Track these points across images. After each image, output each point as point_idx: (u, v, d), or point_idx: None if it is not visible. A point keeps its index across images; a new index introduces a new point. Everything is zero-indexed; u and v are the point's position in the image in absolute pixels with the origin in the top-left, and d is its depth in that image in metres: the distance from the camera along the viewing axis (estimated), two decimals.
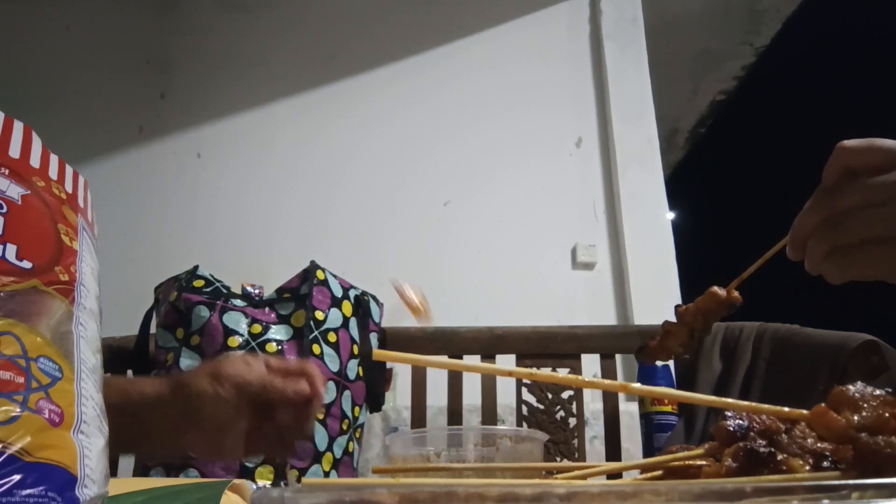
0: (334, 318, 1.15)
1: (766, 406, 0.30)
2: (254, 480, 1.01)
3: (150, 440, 0.65)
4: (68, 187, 0.38)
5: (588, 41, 2.52)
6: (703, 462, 0.28)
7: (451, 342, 1.17)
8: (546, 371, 1.07)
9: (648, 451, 0.94)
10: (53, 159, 0.38)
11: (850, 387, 0.28)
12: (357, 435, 1.17)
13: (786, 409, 0.30)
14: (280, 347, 1.09)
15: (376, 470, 0.43)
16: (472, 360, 1.14)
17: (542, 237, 2.26)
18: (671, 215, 2.49)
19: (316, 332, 1.13)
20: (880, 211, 0.47)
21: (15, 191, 0.34)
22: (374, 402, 1.21)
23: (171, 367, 1.08)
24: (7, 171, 0.34)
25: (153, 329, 1.14)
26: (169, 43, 2.55)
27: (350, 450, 1.14)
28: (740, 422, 0.28)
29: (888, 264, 0.47)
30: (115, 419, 0.65)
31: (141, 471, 1.06)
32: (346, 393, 1.13)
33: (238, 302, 1.11)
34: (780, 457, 0.26)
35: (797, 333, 0.99)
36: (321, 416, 1.09)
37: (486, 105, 2.42)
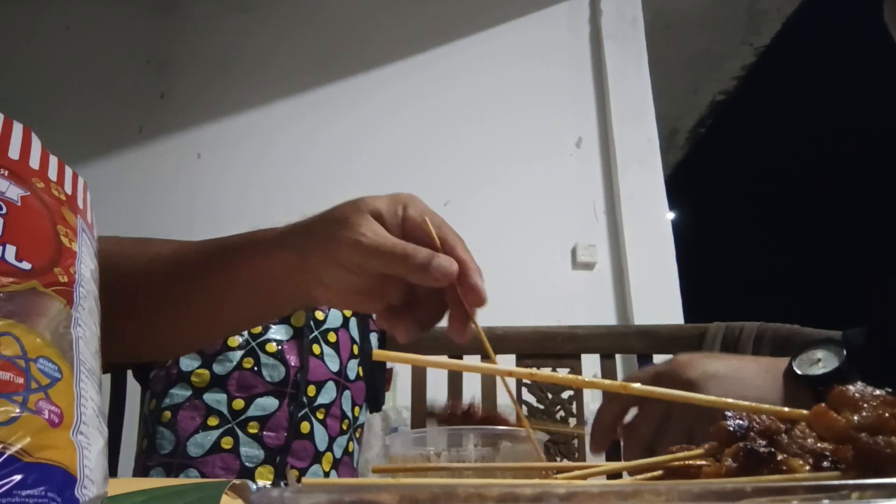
0: (334, 317, 1.15)
1: (766, 406, 0.30)
2: (254, 480, 1.01)
3: (270, 296, 0.58)
4: (68, 188, 0.38)
5: (588, 41, 2.52)
6: (703, 462, 0.28)
7: (451, 342, 1.17)
8: (546, 371, 1.07)
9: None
10: (53, 160, 0.38)
11: (850, 387, 0.28)
12: (357, 435, 1.18)
13: (786, 409, 0.30)
14: (280, 347, 1.09)
15: (376, 470, 0.43)
16: (472, 360, 1.14)
17: (542, 237, 2.26)
18: (671, 215, 2.50)
19: (316, 332, 1.13)
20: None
21: (14, 192, 0.34)
22: (374, 402, 1.22)
23: (170, 367, 1.08)
24: (6, 173, 0.34)
25: None
26: (169, 43, 2.55)
27: (350, 450, 1.14)
28: (740, 422, 0.28)
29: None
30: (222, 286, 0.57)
31: (141, 471, 1.06)
32: (346, 393, 1.13)
33: None
34: (780, 457, 0.26)
35: (797, 333, 0.99)
36: (321, 416, 1.09)
37: (486, 105, 2.42)
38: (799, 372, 0.55)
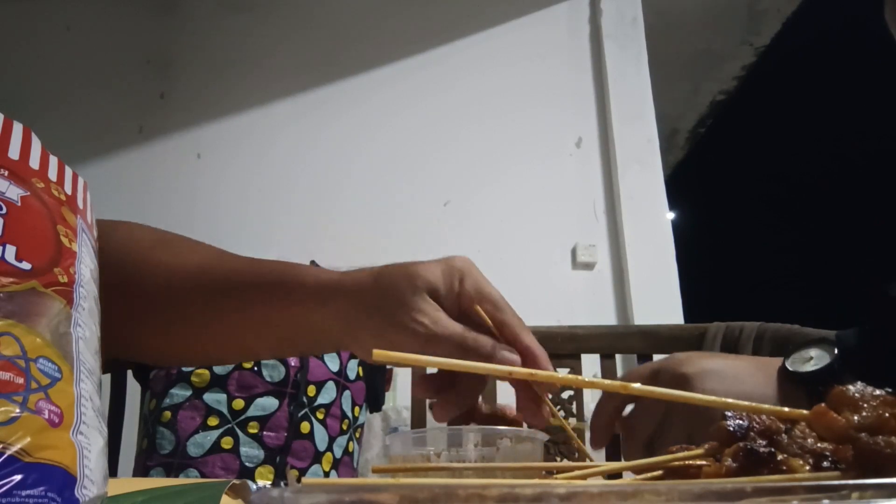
0: None
1: (766, 406, 0.30)
2: (254, 480, 1.01)
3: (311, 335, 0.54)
4: (68, 189, 0.38)
5: (588, 41, 2.53)
6: (703, 462, 0.28)
7: None
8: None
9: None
10: (53, 160, 0.38)
11: (850, 387, 0.28)
12: (357, 435, 1.18)
13: (786, 409, 0.30)
14: None
15: (376, 470, 0.43)
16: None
17: (542, 237, 2.26)
18: (671, 215, 2.50)
19: None
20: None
21: (14, 192, 0.34)
22: (374, 402, 1.22)
23: (170, 368, 1.08)
24: (6, 173, 0.34)
25: None
26: (169, 43, 2.55)
27: (350, 450, 1.14)
28: (740, 422, 0.28)
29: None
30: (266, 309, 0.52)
31: (141, 471, 1.06)
32: (346, 393, 1.13)
33: None
34: (780, 457, 0.26)
35: (797, 333, 0.99)
36: (321, 416, 1.09)
37: (486, 105, 2.42)
38: (791, 369, 0.55)
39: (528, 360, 0.48)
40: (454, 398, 0.51)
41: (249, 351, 0.62)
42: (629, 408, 0.59)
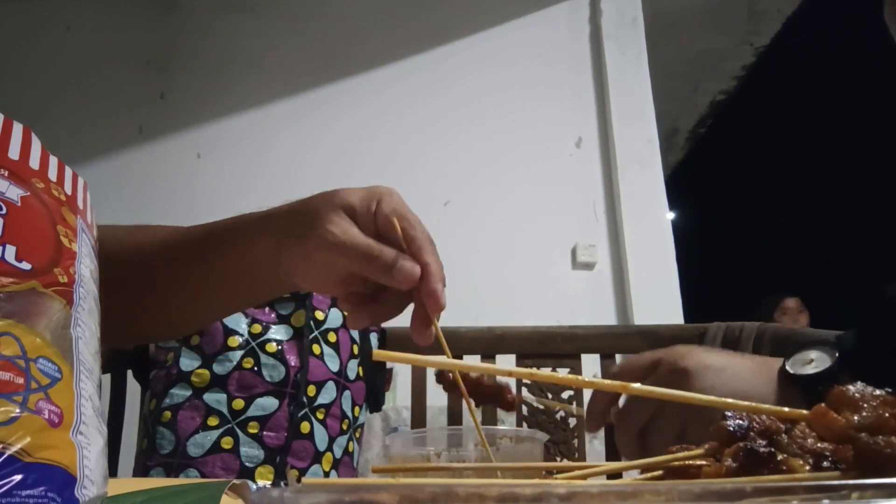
0: (334, 317, 1.15)
1: (765, 406, 0.30)
2: (254, 480, 1.01)
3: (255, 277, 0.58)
4: (67, 189, 0.38)
5: (588, 41, 2.53)
6: (703, 462, 0.28)
7: (451, 342, 1.17)
8: (546, 371, 1.07)
9: None
10: (53, 161, 0.38)
11: (850, 387, 0.28)
12: (357, 435, 1.18)
13: (786, 409, 0.30)
14: (280, 347, 1.09)
15: (376, 470, 0.43)
16: (472, 360, 1.14)
17: (542, 237, 2.26)
18: (671, 215, 2.50)
19: (316, 332, 1.13)
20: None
21: (14, 192, 0.34)
22: (374, 402, 1.22)
23: (171, 367, 1.08)
24: (6, 173, 0.34)
25: None
26: (169, 43, 2.55)
27: (350, 450, 1.14)
28: (740, 422, 0.28)
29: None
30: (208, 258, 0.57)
31: (141, 471, 1.06)
32: (346, 393, 1.13)
33: None
34: (780, 457, 0.26)
35: (797, 333, 0.99)
36: (321, 416, 1.09)
37: (486, 105, 2.42)
38: (791, 371, 0.55)
39: (424, 275, 0.50)
40: (372, 310, 0.53)
41: (211, 306, 0.64)
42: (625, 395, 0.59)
